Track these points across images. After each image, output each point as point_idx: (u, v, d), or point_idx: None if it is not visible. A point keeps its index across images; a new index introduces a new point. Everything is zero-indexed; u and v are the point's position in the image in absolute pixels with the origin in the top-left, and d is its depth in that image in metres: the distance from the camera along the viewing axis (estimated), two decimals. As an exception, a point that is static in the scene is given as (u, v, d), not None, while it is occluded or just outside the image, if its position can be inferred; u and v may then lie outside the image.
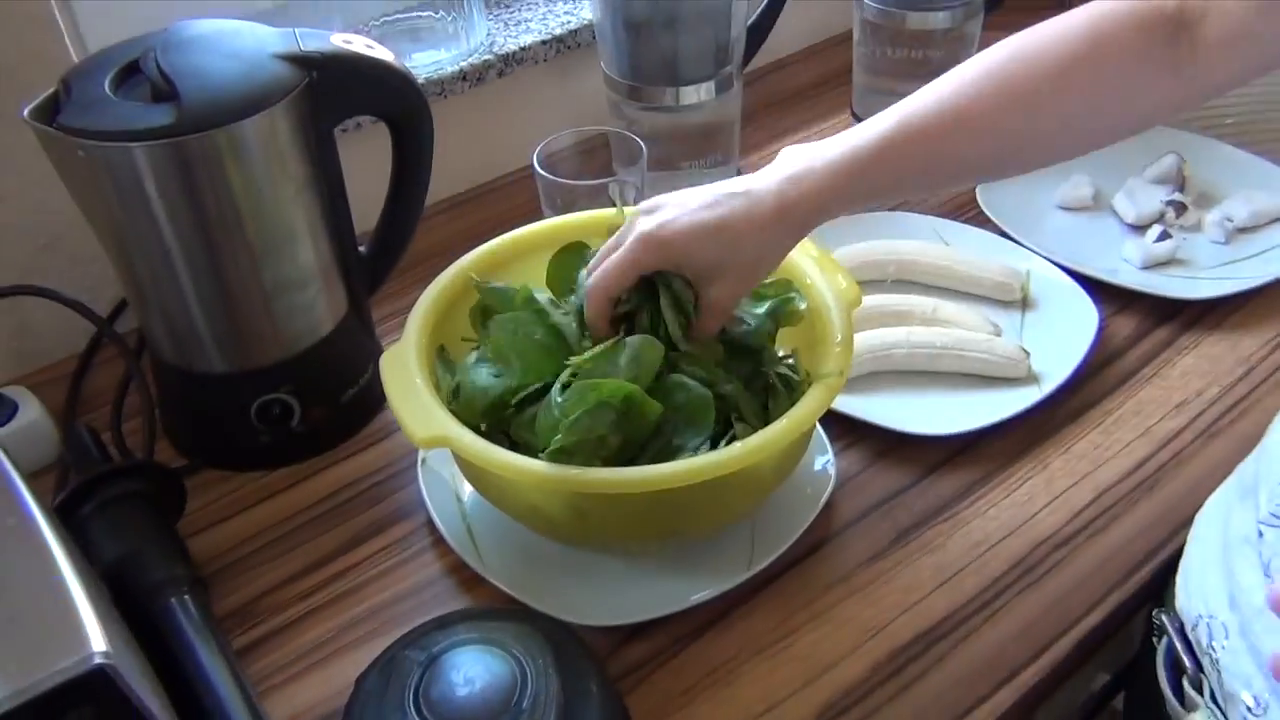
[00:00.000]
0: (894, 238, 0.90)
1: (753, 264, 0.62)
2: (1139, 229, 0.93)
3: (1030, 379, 0.78)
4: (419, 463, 0.75)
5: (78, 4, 0.83)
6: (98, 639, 0.46)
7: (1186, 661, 0.59)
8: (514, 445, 0.62)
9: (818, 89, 1.16)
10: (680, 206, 0.60)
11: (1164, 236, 0.90)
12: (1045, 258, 0.89)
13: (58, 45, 0.77)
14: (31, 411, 0.78)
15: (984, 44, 1.08)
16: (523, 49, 0.97)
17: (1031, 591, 0.66)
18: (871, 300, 0.82)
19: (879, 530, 0.70)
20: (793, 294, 0.67)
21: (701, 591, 0.65)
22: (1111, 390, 0.79)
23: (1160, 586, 0.66)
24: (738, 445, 0.57)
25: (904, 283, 0.88)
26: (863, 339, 0.78)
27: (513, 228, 0.74)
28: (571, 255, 0.73)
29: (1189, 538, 0.63)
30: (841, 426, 0.75)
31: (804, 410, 0.59)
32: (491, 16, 1.01)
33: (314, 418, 0.76)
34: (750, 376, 0.64)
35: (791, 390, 0.64)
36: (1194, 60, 0.58)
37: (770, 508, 0.69)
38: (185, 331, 0.72)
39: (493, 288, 0.69)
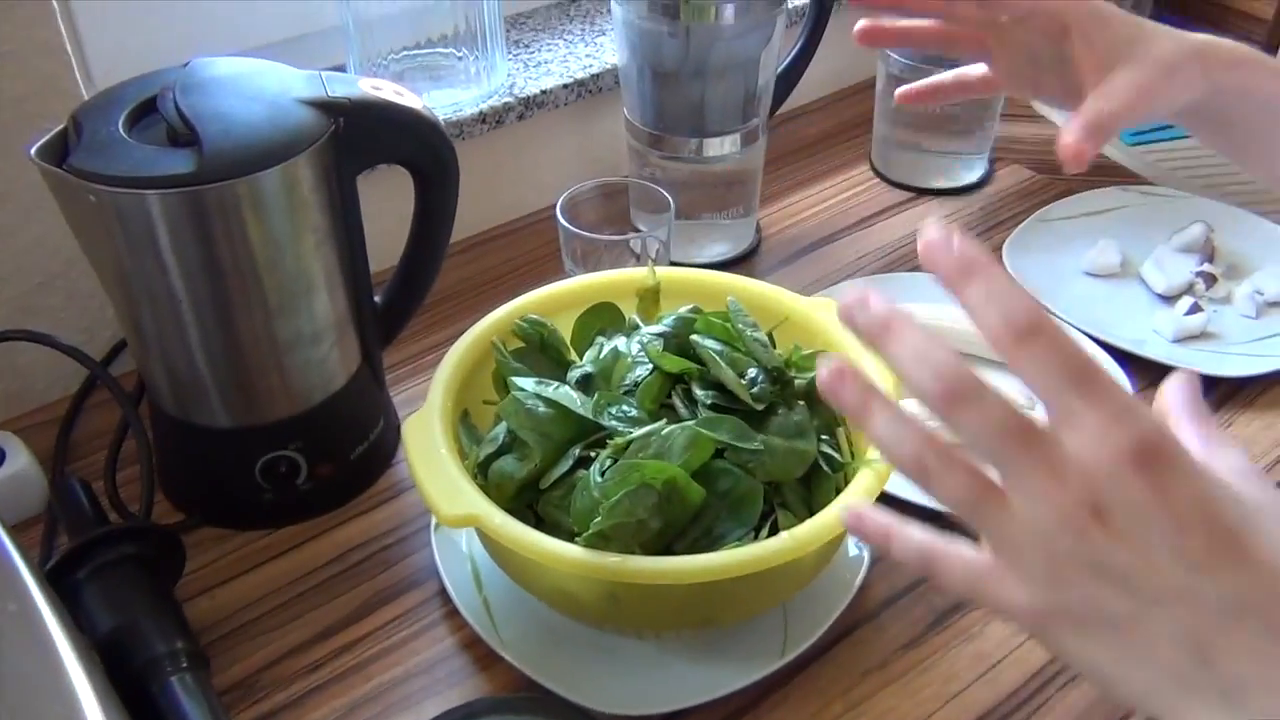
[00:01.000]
0: (922, 300, 0.88)
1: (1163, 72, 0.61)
2: (1168, 299, 0.92)
3: (1066, 457, 0.76)
4: (432, 526, 0.71)
5: (85, 33, 0.80)
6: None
7: None
8: (539, 522, 0.59)
9: (835, 139, 1.14)
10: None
11: (1195, 309, 0.88)
12: (1075, 326, 0.87)
13: (67, 76, 0.73)
14: (19, 459, 0.73)
15: (1006, 100, 1.07)
16: (544, 92, 0.94)
17: (1075, 686, 0.63)
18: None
19: (914, 615, 0.67)
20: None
21: (734, 680, 0.61)
22: (1148, 471, 0.76)
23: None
24: (785, 536, 0.54)
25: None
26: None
27: (528, 272, 0.72)
28: (598, 316, 0.70)
29: None
30: (875, 502, 0.72)
31: (853, 501, 0.56)
32: (512, 57, 0.98)
33: (321, 475, 0.73)
34: (795, 457, 0.61)
35: (835, 471, 0.61)
36: None
37: (804, 592, 0.65)
38: (190, 383, 0.69)
39: (511, 362, 0.66)
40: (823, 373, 0.39)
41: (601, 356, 0.65)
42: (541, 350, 0.68)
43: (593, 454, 0.59)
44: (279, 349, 0.68)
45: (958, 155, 1.07)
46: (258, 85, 0.65)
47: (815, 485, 0.60)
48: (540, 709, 0.55)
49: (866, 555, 0.69)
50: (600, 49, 1.01)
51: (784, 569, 0.55)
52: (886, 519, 0.41)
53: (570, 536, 0.55)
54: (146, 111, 0.64)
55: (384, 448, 0.77)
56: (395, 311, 0.77)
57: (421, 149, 0.70)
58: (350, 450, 0.74)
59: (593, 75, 0.97)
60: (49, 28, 0.72)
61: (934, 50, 0.75)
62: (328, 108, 0.65)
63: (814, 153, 1.12)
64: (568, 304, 0.71)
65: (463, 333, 0.68)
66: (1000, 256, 0.95)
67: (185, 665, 0.58)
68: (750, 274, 0.88)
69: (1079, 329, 0.86)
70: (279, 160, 0.62)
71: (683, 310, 0.66)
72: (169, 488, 0.75)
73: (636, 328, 0.68)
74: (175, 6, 0.85)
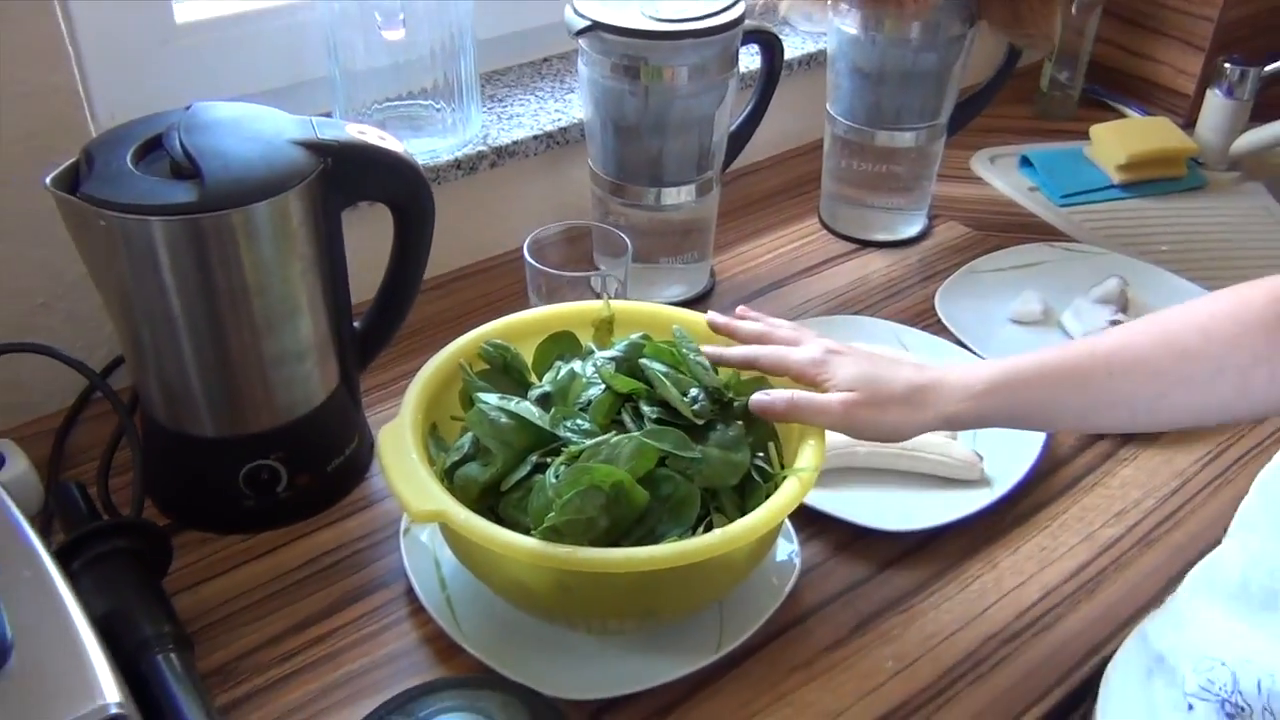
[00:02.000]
0: (862, 339, 0.96)
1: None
2: (1084, 345, 1.00)
3: (983, 482, 0.84)
4: (401, 532, 0.77)
5: (93, 77, 0.87)
6: (111, 690, 0.48)
7: None
8: (500, 522, 0.66)
9: (787, 194, 1.23)
10: (871, 388, 0.68)
11: (1107, 353, 0.96)
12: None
13: (77, 115, 0.80)
14: (18, 464, 0.79)
15: (944, 162, 1.16)
16: (515, 143, 1.02)
17: (981, 684, 0.70)
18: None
19: (840, 619, 0.74)
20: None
21: (672, 671, 0.68)
22: (1057, 496, 0.84)
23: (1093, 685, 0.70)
24: (717, 532, 0.61)
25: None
26: (829, 437, 0.82)
27: (497, 307, 0.78)
28: (558, 343, 0.77)
29: (1101, 697, 0.66)
30: (806, 518, 0.79)
31: (779, 503, 0.63)
32: (486, 110, 1.06)
33: (300, 484, 0.79)
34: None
35: (766, 481, 0.68)
36: None
37: (739, 594, 0.72)
38: (182, 396, 0.75)
39: (477, 381, 0.73)
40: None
41: (559, 377, 0.72)
42: (505, 372, 0.75)
43: (549, 461, 0.65)
44: (265, 365, 0.75)
45: (899, 211, 1.16)
46: (254, 127, 0.73)
47: (748, 493, 0.67)
48: (493, 686, 0.61)
49: (798, 563, 0.75)
50: (568, 104, 1.09)
51: (716, 563, 0.62)
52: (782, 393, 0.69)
53: (527, 534, 0.62)
54: (152, 148, 0.72)
55: (359, 462, 0.84)
56: (373, 337, 0.84)
57: (402, 188, 0.77)
58: (328, 462, 0.80)
59: (561, 128, 1.05)
60: (62, 71, 0.79)
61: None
62: (317, 149, 0.72)
63: (766, 205, 1.21)
64: (531, 332, 0.78)
65: (435, 359, 0.75)
66: (934, 304, 1.03)
67: (171, 646, 0.64)
68: (701, 312, 0.95)
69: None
70: (272, 194, 0.69)
71: (633, 337, 0.73)
72: (158, 493, 0.81)
73: (592, 353, 0.75)
74: (178, 54, 0.92)
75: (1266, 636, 0.53)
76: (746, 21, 0.95)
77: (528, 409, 0.68)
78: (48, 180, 0.68)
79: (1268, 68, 1.30)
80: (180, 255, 0.68)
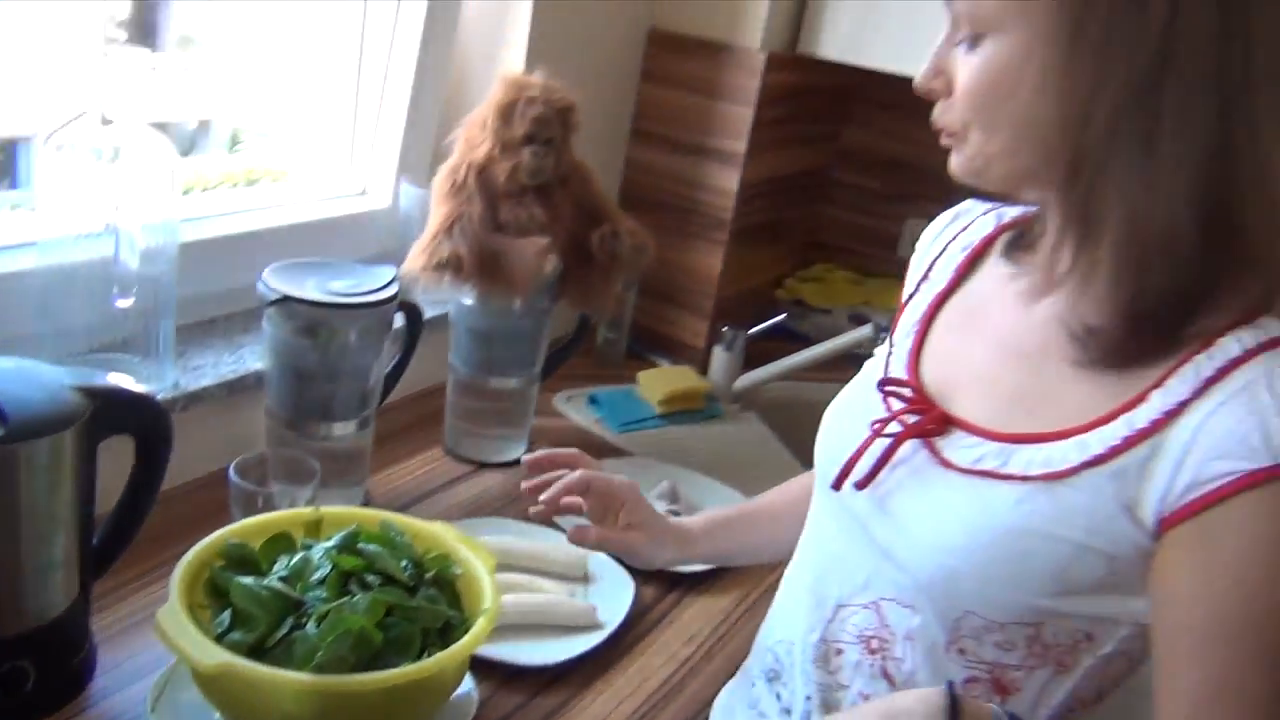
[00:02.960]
0: (487, 535, 1.25)
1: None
2: (653, 528, 1.36)
3: (597, 625, 1.14)
4: (148, 712, 0.92)
5: None
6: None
7: None
8: (258, 677, 0.85)
9: (423, 424, 1.51)
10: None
11: (669, 532, 1.34)
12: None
13: None
14: None
15: (541, 403, 1.51)
16: (203, 389, 1.23)
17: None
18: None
19: (509, 732, 1.00)
20: (453, 564, 0.98)
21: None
22: (648, 631, 1.17)
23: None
24: (428, 660, 0.86)
25: (505, 567, 1.22)
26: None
27: (198, 526, 0.97)
28: (279, 542, 0.99)
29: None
30: (476, 661, 1.05)
31: (472, 636, 0.89)
32: (179, 364, 1.26)
33: (45, 682, 0.91)
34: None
35: (459, 625, 0.94)
36: None
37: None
38: (-58, 607, 0.86)
39: (225, 570, 0.93)
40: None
41: (293, 563, 0.94)
42: (242, 564, 0.95)
43: (303, 621, 0.87)
44: (23, 576, 0.89)
45: (507, 439, 1.49)
46: (31, 376, 0.90)
47: (449, 634, 0.93)
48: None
49: (475, 694, 1.00)
50: (243, 357, 1.31)
51: (433, 681, 0.86)
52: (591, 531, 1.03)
53: (289, 678, 0.83)
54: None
55: (90, 660, 0.97)
56: (109, 552, 1.00)
57: (151, 425, 0.97)
58: (69, 660, 0.94)
59: (239, 376, 1.27)
60: None
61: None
62: (88, 393, 0.91)
63: (406, 437, 1.48)
64: (255, 534, 0.98)
65: (157, 566, 0.93)
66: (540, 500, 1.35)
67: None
68: (372, 519, 1.20)
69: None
70: (60, 429, 0.86)
71: (348, 529, 0.97)
72: (-103, 704, 0.88)
73: (309, 547, 0.97)
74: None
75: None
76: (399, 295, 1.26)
77: (279, 584, 0.89)
78: None
79: (751, 331, 1.82)
80: (-28, 481, 0.83)
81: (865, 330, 1.77)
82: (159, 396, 1.19)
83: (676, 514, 1.39)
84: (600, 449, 1.56)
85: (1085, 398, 0.74)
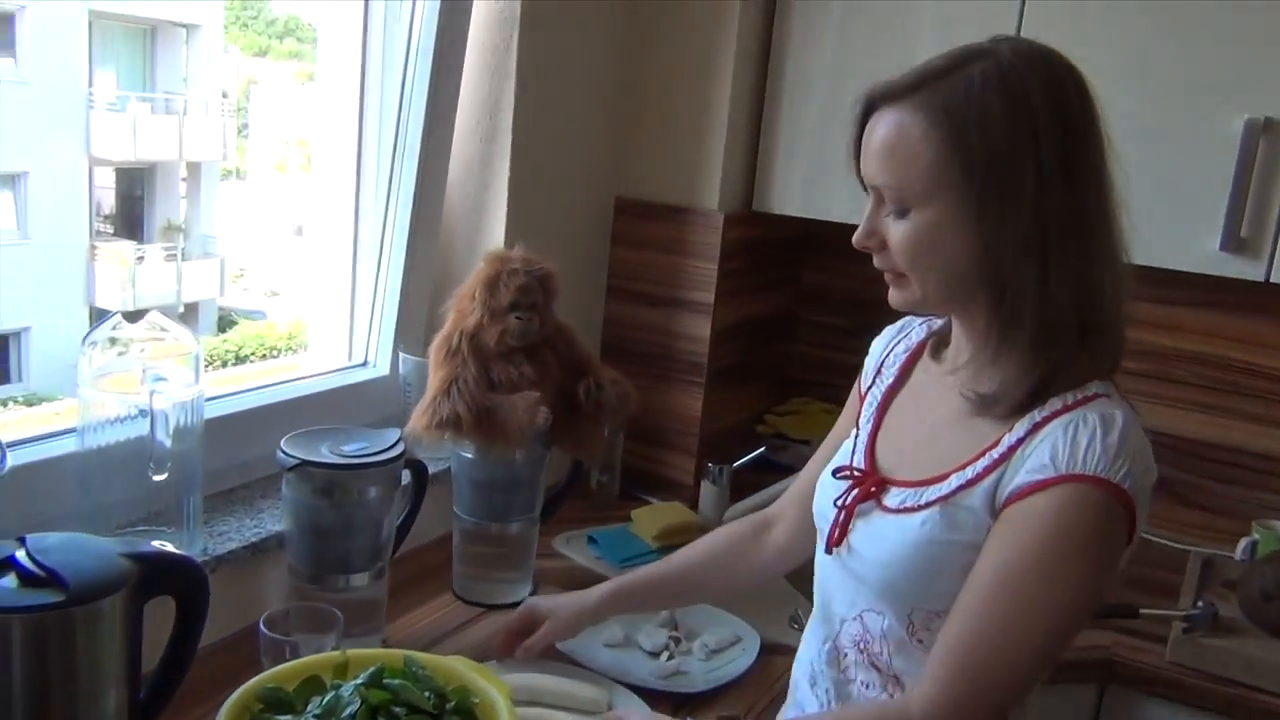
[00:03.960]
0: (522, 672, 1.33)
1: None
2: (655, 654, 1.45)
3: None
4: None
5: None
6: None
7: None
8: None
9: (431, 574, 1.61)
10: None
11: (670, 657, 1.42)
12: (605, 674, 1.36)
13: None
14: None
15: (542, 546, 1.61)
16: (229, 552, 1.33)
17: None
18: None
19: None
20: (472, 694, 1.07)
21: None
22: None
23: None
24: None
25: (531, 703, 1.29)
26: None
27: (231, 680, 1.05)
28: (311, 684, 1.08)
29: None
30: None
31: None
32: (206, 531, 1.36)
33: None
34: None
35: (482, 749, 1.02)
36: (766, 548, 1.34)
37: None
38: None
39: (264, 714, 1.01)
40: None
41: (325, 702, 1.02)
42: (278, 707, 1.03)
43: (340, 752, 0.95)
44: (85, 729, 0.97)
45: (512, 582, 1.58)
46: (86, 547, 1.01)
47: (473, 757, 1.01)
48: None
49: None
50: (263, 522, 1.42)
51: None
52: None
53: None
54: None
55: (140, 811, 1.04)
56: (155, 704, 1.08)
57: (191, 586, 1.07)
58: (122, 811, 1.01)
59: (262, 539, 1.37)
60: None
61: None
62: (135, 558, 1.01)
63: (418, 584, 1.57)
64: (287, 678, 1.07)
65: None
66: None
67: None
68: (391, 663, 1.28)
69: (611, 677, 1.35)
70: (113, 592, 0.96)
71: (374, 667, 1.06)
72: None
73: (338, 687, 1.06)
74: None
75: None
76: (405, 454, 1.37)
77: (317, 722, 0.97)
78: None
79: (735, 465, 1.94)
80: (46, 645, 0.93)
81: (840, 455, 1.88)
82: (190, 563, 1.29)
83: (676, 640, 1.47)
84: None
85: (968, 443, 1.04)
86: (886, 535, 1.06)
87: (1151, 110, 1.66)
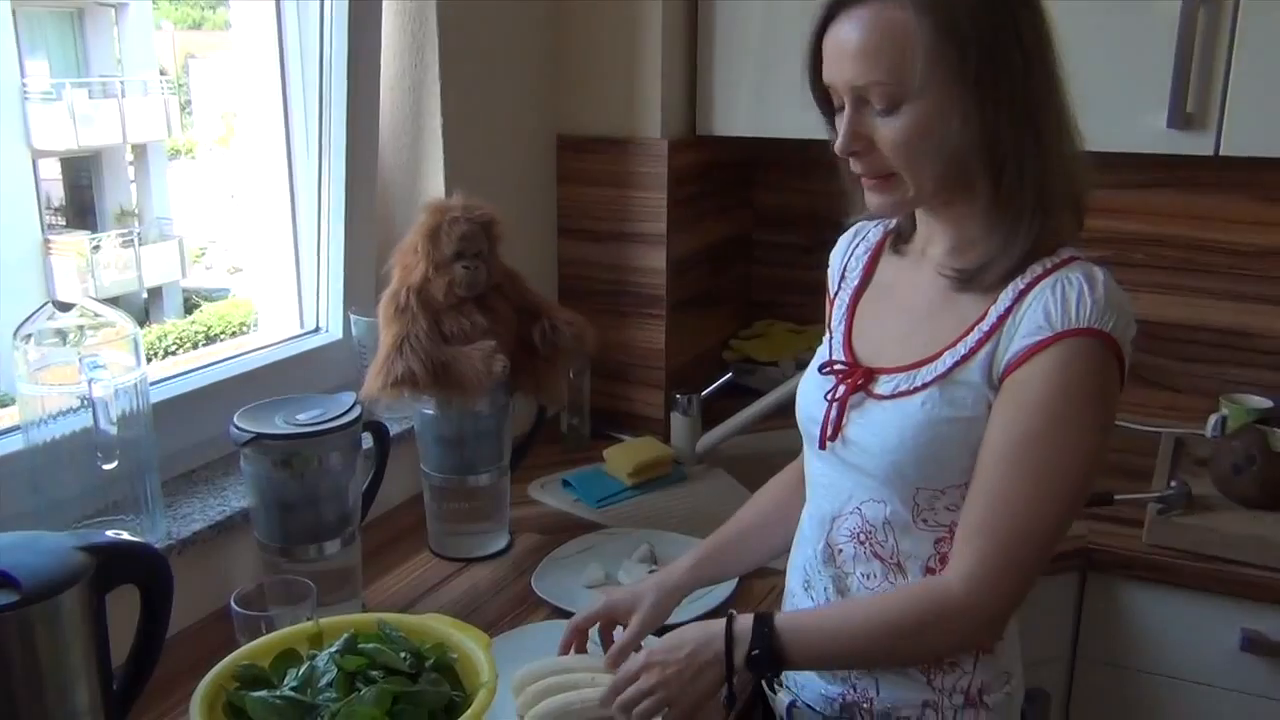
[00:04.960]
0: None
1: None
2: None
3: None
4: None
5: None
6: None
7: None
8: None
9: (409, 533, 1.60)
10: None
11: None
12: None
13: None
14: None
15: (515, 493, 1.60)
16: (194, 533, 1.31)
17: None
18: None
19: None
20: (449, 650, 1.06)
21: None
22: None
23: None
24: (442, 732, 0.94)
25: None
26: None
27: (208, 661, 1.04)
28: (286, 657, 1.07)
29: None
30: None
31: (475, 707, 0.97)
32: (169, 514, 1.34)
33: (87, 825, 0.98)
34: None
35: (461, 703, 1.01)
36: None
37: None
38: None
39: (240, 690, 1.00)
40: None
41: (300, 673, 1.01)
42: (254, 683, 1.02)
43: (318, 723, 0.94)
44: (59, 726, 0.96)
45: (488, 534, 1.57)
46: (39, 544, 0.98)
47: (455, 712, 1.00)
48: None
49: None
50: (228, 497, 1.40)
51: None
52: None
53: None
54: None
55: (127, 799, 1.03)
56: (129, 693, 1.07)
57: (153, 573, 1.05)
58: (109, 802, 1.00)
59: (227, 516, 1.36)
60: None
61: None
62: (91, 550, 0.99)
63: (395, 545, 1.56)
64: (262, 654, 1.06)
65: (177, 703, 1.01)
66: (533, 587, 1.43)
67: None
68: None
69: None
70: (70, 586, 0.95)
71: (347, 634, 1.05)
72: None
73: (313, 657, 1.05)
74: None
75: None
76: (363, 417, 1.35)
77: (292, 694, 0.96)
78: None
79: (704, 393, 1.92)
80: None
81: (808, 373, 1.88)
82: (156, 548, 1.27)
83: (655, 573, 1.47)
84: (581, 525, 1.65)
85: (953, 323, 1.07)
86: (888, 422, 1.08)
87: (1087, -9, 1.63)
